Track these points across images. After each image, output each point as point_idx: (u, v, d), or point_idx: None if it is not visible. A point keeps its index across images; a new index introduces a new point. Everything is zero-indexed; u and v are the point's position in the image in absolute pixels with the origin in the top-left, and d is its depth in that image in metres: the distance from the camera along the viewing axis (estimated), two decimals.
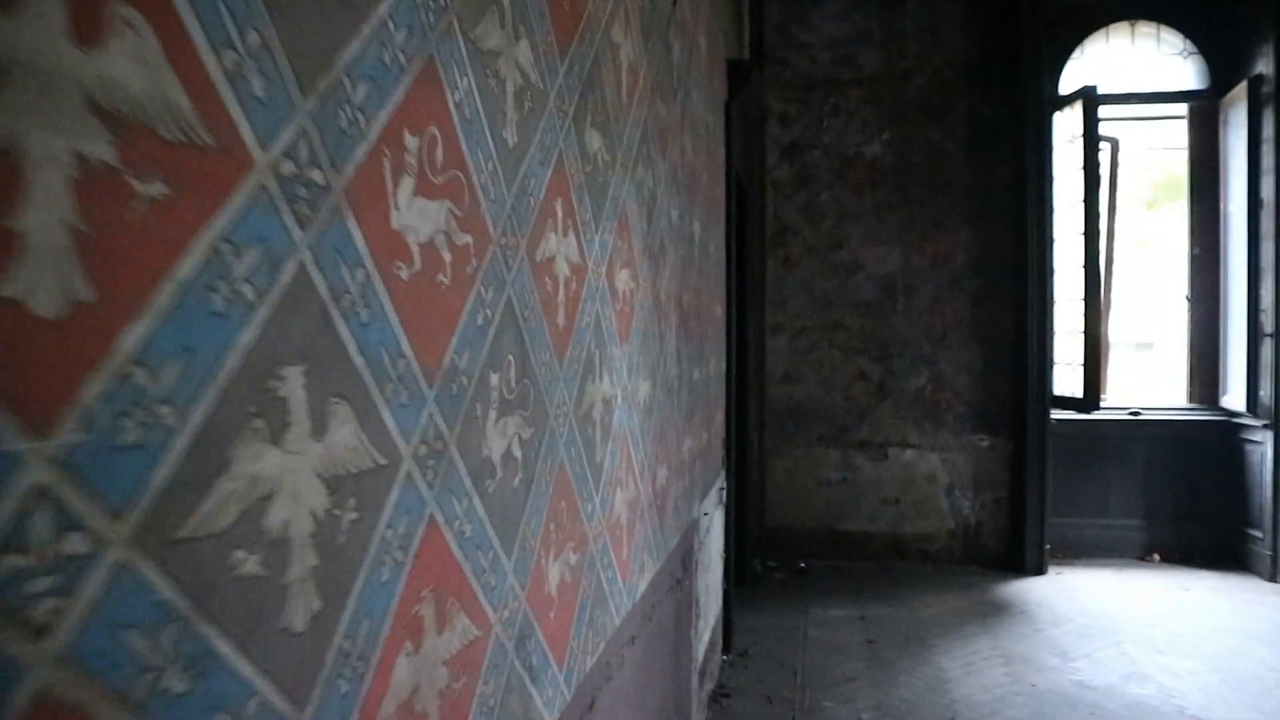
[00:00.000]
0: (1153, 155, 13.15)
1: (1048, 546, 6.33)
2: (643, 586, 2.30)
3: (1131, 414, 6.78)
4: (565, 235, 1.60)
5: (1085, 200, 6.16)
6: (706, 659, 3.94)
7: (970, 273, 6.52)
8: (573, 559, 1.65)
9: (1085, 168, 6.17)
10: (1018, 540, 6.40)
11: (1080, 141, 6.24)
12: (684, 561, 3.16)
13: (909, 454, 6.56)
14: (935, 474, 6.55)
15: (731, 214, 4.63)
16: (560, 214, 1.58)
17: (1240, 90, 6.48)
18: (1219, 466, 6.67)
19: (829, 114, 6.63)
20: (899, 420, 6.56)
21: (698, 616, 3.59)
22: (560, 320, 1.57)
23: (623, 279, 2.06)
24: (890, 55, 6.61)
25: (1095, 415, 6.41)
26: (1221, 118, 6.79)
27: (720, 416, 4.36)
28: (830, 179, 6.61)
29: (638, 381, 2.25)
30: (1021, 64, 6.42)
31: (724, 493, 4.47)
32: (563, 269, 1.58)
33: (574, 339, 1.65)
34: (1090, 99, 6.18)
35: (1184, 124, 7.00)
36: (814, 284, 6.61)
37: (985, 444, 6.51)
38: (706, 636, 3.94)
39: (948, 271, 6.54)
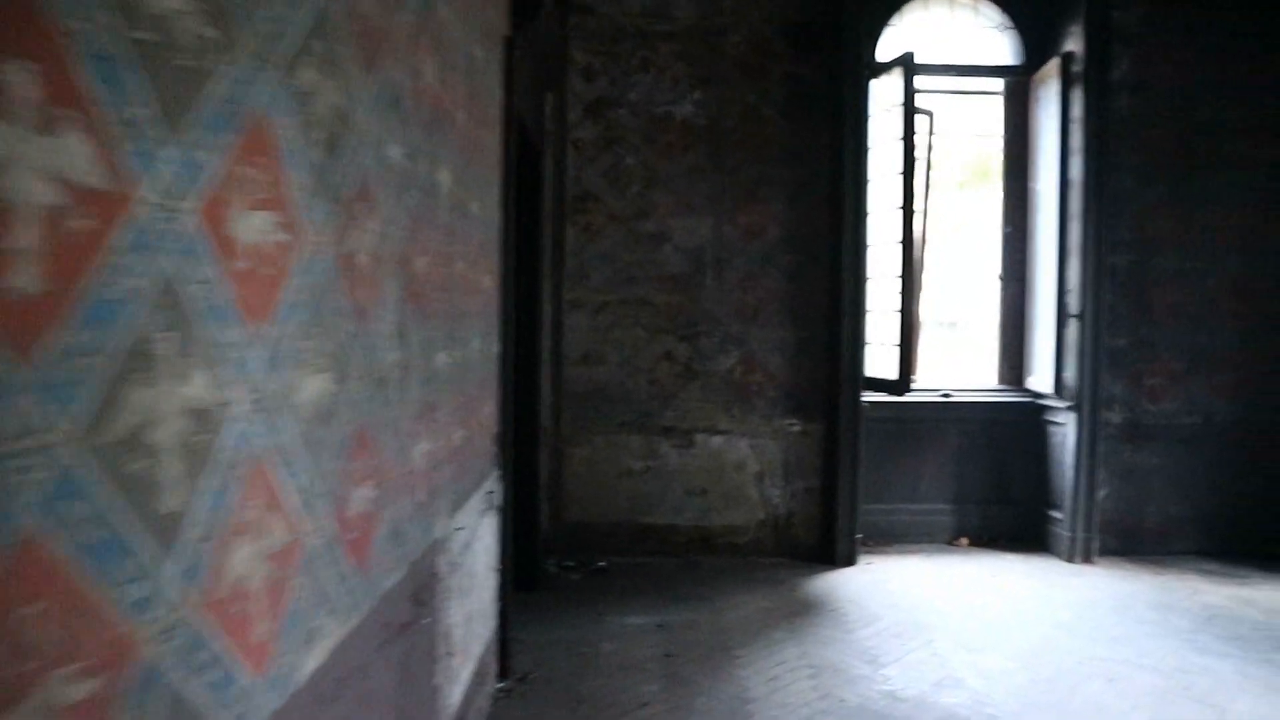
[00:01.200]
0: (967, 136, 13.39)
1: (859, 536, 6.02)
2: (311, 666, 1.63)
3: (943, 396, 6.57)
4: (52, 131, 0.90)
5: (903, 171, 5.84)
6: (469, 699, 3.29)
7: (785, 247, 6.11)
8: (78, 690, 0.96)
9: (903, 138, 5.84)
10: (829, 530, 6.07)
11: (898, 111, 5.90)
12: (417, 598, 2.49)
13: (718, 440, 6.11)
14: (745, 462, 6.13)
15: (511, 170, 3.96)
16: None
17: (1051, 67, 6.31)
18: (1025, 448, 6.56)
19: (638, 69, 6.05)
20: (707, 404, 6.09)
21: (450, 654, 2.94)
22: (32, 284, 0.88)
23: (253, 226, 1.37)
24: (706, 8, 6.08)
25: (908, 397, 6.14)
26: (1033, 95, 6.63)
27: (490, 408, 3.70)
28: (637, 141, 6.04)
29: (297, 377, 1.56)
30: (842, 27, 6.02)
31: (496, 495, 3.83)
32: (36, 193, 0.88)
33: (77, 317, 0.95)
34: (909, 66, 5.84)
35: (999, 101, 6.81)
36: (618, 256, 6.03)
37: (797, 429, 6.14)
38: (468, 672, 3.29)
39: (761, 244, 6.09)
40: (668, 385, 6.07)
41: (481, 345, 3.49)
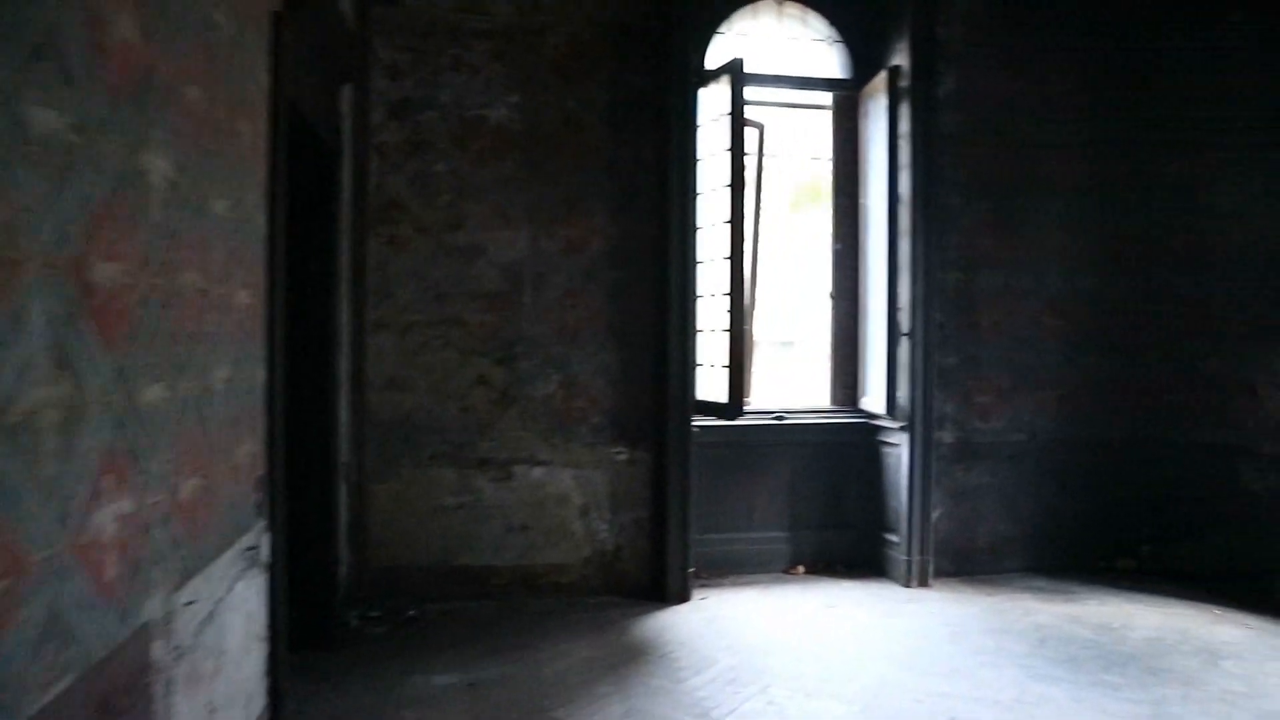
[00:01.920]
0: (798, 155, 13.43)
1: (691, 570, 5.65)
2: None
3: (776, 418, 6.30)
4: None
5: (731, 184, 5.54)
6: None
7: (608, 262, 5.70)
8: None
9: (732, 149, 5.55)
10: (660, 565, 5.68)
11: (726, 120, 5.61)
12: (108, 706, 1.90)
13: (538, 472, 5.62)
14: (568, 494, 5.66)
15: (280, 168, 3.38)
16: None
17: (879, 81, 6.18)
18: (860, 471, 6.37)
19: (449, 68, 5.53)
20: (527, 433, 5.60)
21: None
22: None
23: None
24: (525, 6, 5.64)
25: (741, 421, 5.83)
26: (862, 109, 6.49)
27: (251, 446, 3.10)
28: (449, 146, 5.51)
29: None
30: (669, 31, 5.69)
31: (262, 550, 3.22)
32: None
33: None
34: (736, 74, 5.56)
35: (829, 115, 6.64)
36: (427, 271, 5.48)
37: (624, 457, 5.73)
38: None
39: (583, 260, 5.67)
40: (483, 413, 5.55)
41: (233, 373, 2.90)
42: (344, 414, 5.16)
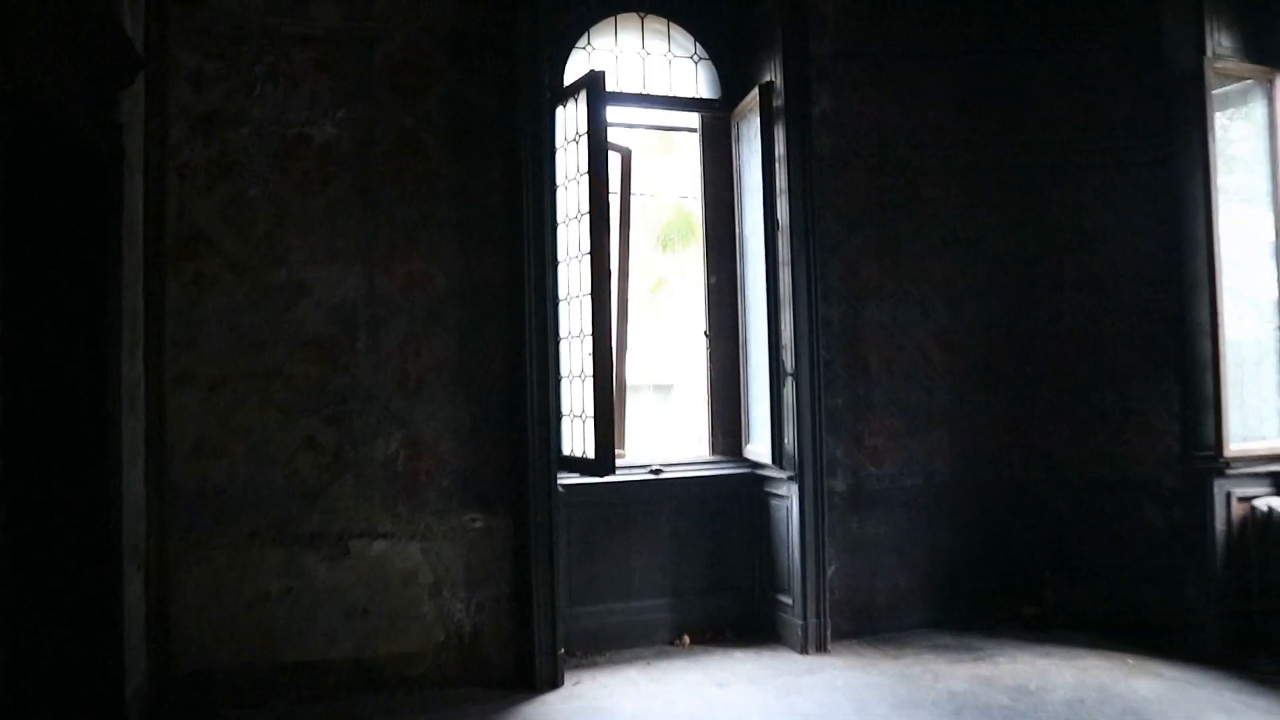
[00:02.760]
0: (668, 184, 12.94)
1: (562, 651, 4.92)
2: None
3: (653, 472, 5.66)
4: None
5: (591, 211, 4.93)
6: None
7: (455, 302, 4.99)
8: None
9: (590, 172, 4.95)
10: (526, 647, 4.92)
11: (585, 141, 5.01)
12: None
13: (380, 546, 4.82)
14: (416, 571, 4.87)
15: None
16: None
17: (751, 100, 5.70)
18: (747, 527, 5.79)
19: (265, 78, 4.77)
20: (365, 502, 4.81)
21: None
22: None
23: None
24: (352, 10, 4.94)
25: (612, 477, 5.17)
26: (734, 132, 6.01)
27: None
28: (266, 169, 4.74)
29: None
30: (515, 41, 5.07)
31: None
32: None
33: None
34: (595, 89, 4.97)
35: (698, 139, 6.13)
36: (241, 315, 4.66)
37: (479, 525, 4.98)
38: None
39: (426, 299, 4.95)
40: (311, 480, 4.72)
41: None
42: (136, 487, 4.27)
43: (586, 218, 4.96)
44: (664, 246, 13.28)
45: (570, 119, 5.22)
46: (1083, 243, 5.97)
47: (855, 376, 5.80)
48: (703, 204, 6.00)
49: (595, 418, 4.93)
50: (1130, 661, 5.12)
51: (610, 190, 5.11)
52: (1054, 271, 6.08)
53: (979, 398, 6.06)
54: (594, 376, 4.93)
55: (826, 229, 5.67)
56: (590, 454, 4.98)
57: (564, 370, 5.25)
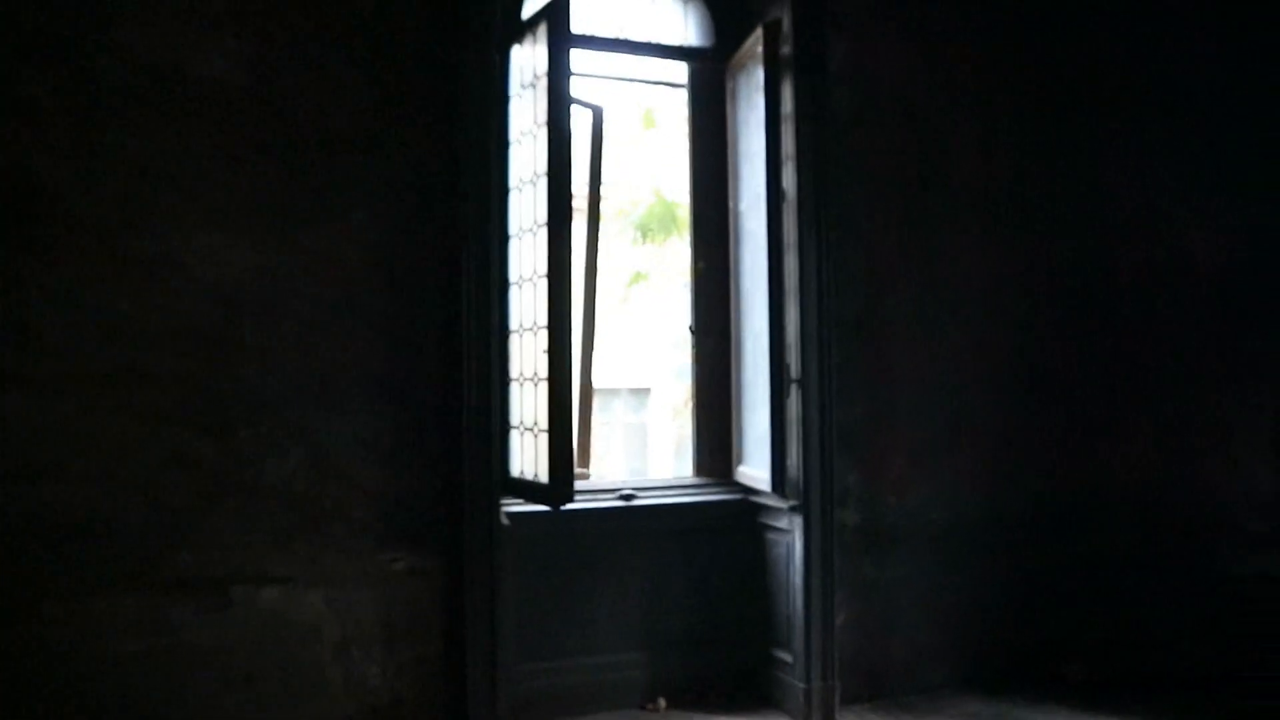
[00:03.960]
0: (646, 175, 11.84)
1: None
2: None
3: (623, 498, 4.64)
4: None
5: (550, 173, 3.90)
6: None
7: (376, 283, 3.95)
8: None
9: (550, 124, 3.91)
10: (460, 717, 3.90)
11: (542, 86, 3.98)
12: None
13: (271, 594, 3.78)
14: (319, 625, 3.83)
15: None
16: None
17: (753, 45, 4.68)
18: (738, 567, 4.78)
19: None
20: (252, 536, 3.76)
21: None
22: None
23: None
24: None
25: (575, 504, 4.14)
26: (730, 86, 4.98)
27: None
28: (130, 105, 3.68)
29: None
30: None
31: None
32: None
33: None
34: (558, 19, 3.94)
35: (685, 97, 5.11)
36: (89, 296, 3.61)
37: (402, 566, 3.94)
38: None
39: (337, 280, 3.90)
40: (182, 508, 3.67)
41: None
42: None
43: (544, 180, 3.93)
44: (644, 236, 12.15)
45: (527, 61, 4.18)
46: (1151, 227, 4.98)
47: (873, 385, 4.78)
48: (690, 174, 4.97)
49: (550, 432, 3.90)
50: None
51: (576, 152, 4.09)
52: (1111, 260, 5.09)
53: (1020, 413, 5.05)
54: (549, 380, 3.90)
55: (843, 203, 4.65)
56: (543, 477, 3.95)
57: (513, 372, 4.23)
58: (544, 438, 3.93)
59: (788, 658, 4.51)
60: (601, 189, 4.89)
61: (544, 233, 3.93)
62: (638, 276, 12.13)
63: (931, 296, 4.89)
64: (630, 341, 11.20)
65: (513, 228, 4.24)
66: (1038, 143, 5.12)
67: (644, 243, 11.85)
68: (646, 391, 11.95)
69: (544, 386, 3.93)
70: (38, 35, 3.58)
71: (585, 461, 4.78)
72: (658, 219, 11.62)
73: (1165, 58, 4.96)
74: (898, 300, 4.82)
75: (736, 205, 4.87)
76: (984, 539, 4.94)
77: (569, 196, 3.90)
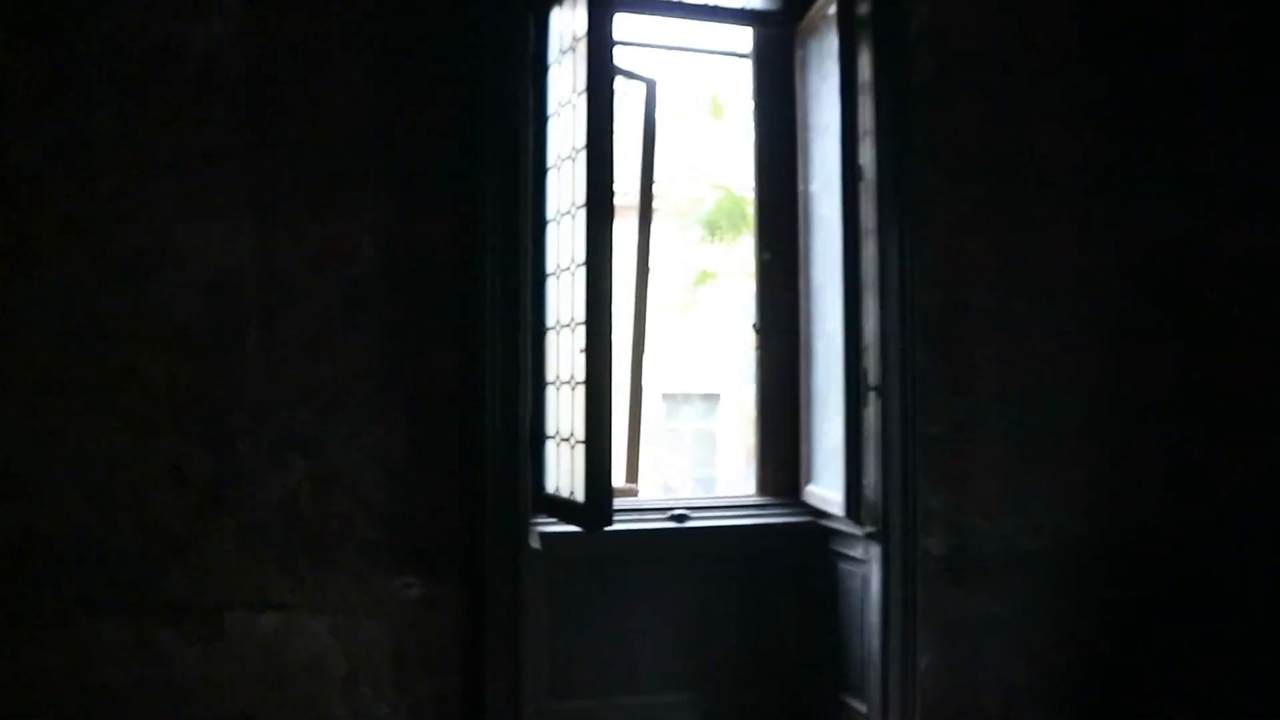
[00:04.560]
0: (714, 168, 11.07)
1: None
2: None
3: (674, 519, 4.13)
4: None
5: (590, 146, 3.41)
6: None
7: (387, 281, 3.54)
8: None
9: (591, 90, 3.41)
10: None
11: (581, 49, 3.49)
12: None
13: (271, 622, 3.41)
14: (324, 658, 3.45)
15: None
16: None
17: (824, 9, 4.10)
18: (802, 599, 4.23)
19: None
20: (250, 558, 3.40)
21: None
22: None
23: None
24: None
25: (618, 525, 3.67)
26: (799, 55, 4.41)
27: None
28: (115, 90, 3.34)
29: None
30: None
31: None
32: None
33: None
34: None
35: (750, 69, 4.56)
36: (78, 294, 3.29)
37: (416, 594, 3.53)
38: None
39: (346, 276, 3.50)
40: (175, 526, 3.33)
41: None
42: None
43: (583, 154, 3.45)
44: (711, 234, 11.42)
45: (566, 24, 3.70)
46: (1266, 217, 4.22)
47: (958, 392, 4.14)
48: (755, 153, 4.42)
49: (588, 443, 3.42)
50: None
51: (628, 131, 3.60)
52: (1222, 250, 4.32)
53: (1124, 425, 4.31)
54: (587, 383, 3.42)
55: (923, 183, 4.04)
56: (579, 495, 3.48)
57: (549, 375, 3.77)
58: (580, 450, 3.46)
59: (861, 706, 3.95)
60: (655, 172, 4.38)
61: (582, 214, 3.45)
62: (705, 275, 11.49)
63: (1022, 291, 4.21)
64: (699, 345, 10.62)
65: (550, 212, 3.77)
66: (1135, 117, 4.37)
67: (712, 241, 11.20)
68: (716, 397, 11.30)
69: (581, 391, 3.46)
70: (17, 16, 3.26)
71: (634, 476, 4.31)
72: (726, 215, 10.94)
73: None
74: (984, 296, 4.15)
75: (807, 187, 4.30)
76: (1085, 569, 4.24)
77: (611, 171, 3.40)
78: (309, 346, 3.44)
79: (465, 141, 3.59)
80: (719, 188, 11.12)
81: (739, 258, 10.70)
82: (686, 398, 10.22)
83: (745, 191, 10.40)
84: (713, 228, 11.18)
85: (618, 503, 3.86)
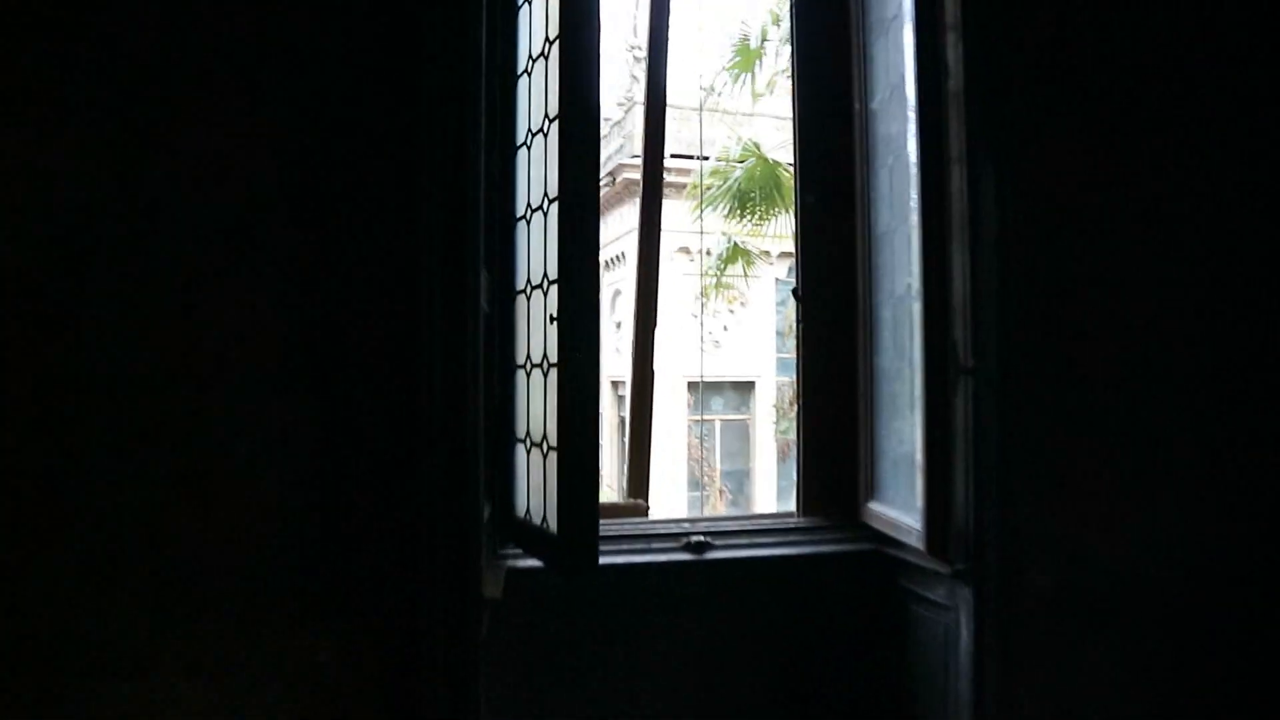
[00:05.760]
0: (746, 135, 9.98)
1: None
2: None
3: (691, 549, 3.11)
4: None
5: (562, 38, 2.42)
6: None
7: (291, 204, 2.53)
8: None
9: None
10: None
11: None
12: None
13: (120, 695, 2.40)
14: None
15: None
16: None
17: None
18: (862, 654, 3.20)
19: None
20: (92, 600, 2.39)
21: None
22: None
23: None
24: None
25: (619, 559, 2.67)
26: None
27: None
28: None
29: None
30: None
31: None
32: None
33: None
34: None
35: None
36: None
37: (327, 654, 2.51)
38: None
39: (229, 198, 2.50)
40: None
41: None
42: None
43: (556, 47, 2.46)
44: (741, 207, 10.29)
45: None
46: None
47: (1061, 373, 3.11)
48: (793, 60, 3.40)
49: (561, 451, 2.42)
50: None
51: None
52: None
53: (1271, 419, 3.29)
54: (560, 366, 2.42)
55: (1026, 100, 3.01)
56: (552, 523, 2.48)
57: (519, 354, 2.78)
58: (554, 459, 2.46)
59: None
60: (666, 92, 3.37)
61: (555, 130, 2.45)
62: (736, 252, 10.34)
63: (1134, 247, 3.18)
64: (732, 330, 9.59)
65: (520, 133, 2.79)
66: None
67: (741, 215, 10.06)
68: (751, 385, 10.21)
69: (554, 377, 2.46)
70: None
71: (640, 490, 3.30)
72: (759, 184, 9.80)
73: None
74: (1091, 247, 3.13)
75: (865, 105, 3.28)
76: (1224, 605, 3.21)
77: (594, 68, 2.41)
78: (182, 294, 2.44)
79: (406, 28, 2.59)
80: (749, 153, 9.96)
81: (773, 233, 9.65)
82: (719, 386, 9.15)
83: (780, 153, 9.21)
84: (744, 201, 10.02)
85: (619, 527, 2.91)
